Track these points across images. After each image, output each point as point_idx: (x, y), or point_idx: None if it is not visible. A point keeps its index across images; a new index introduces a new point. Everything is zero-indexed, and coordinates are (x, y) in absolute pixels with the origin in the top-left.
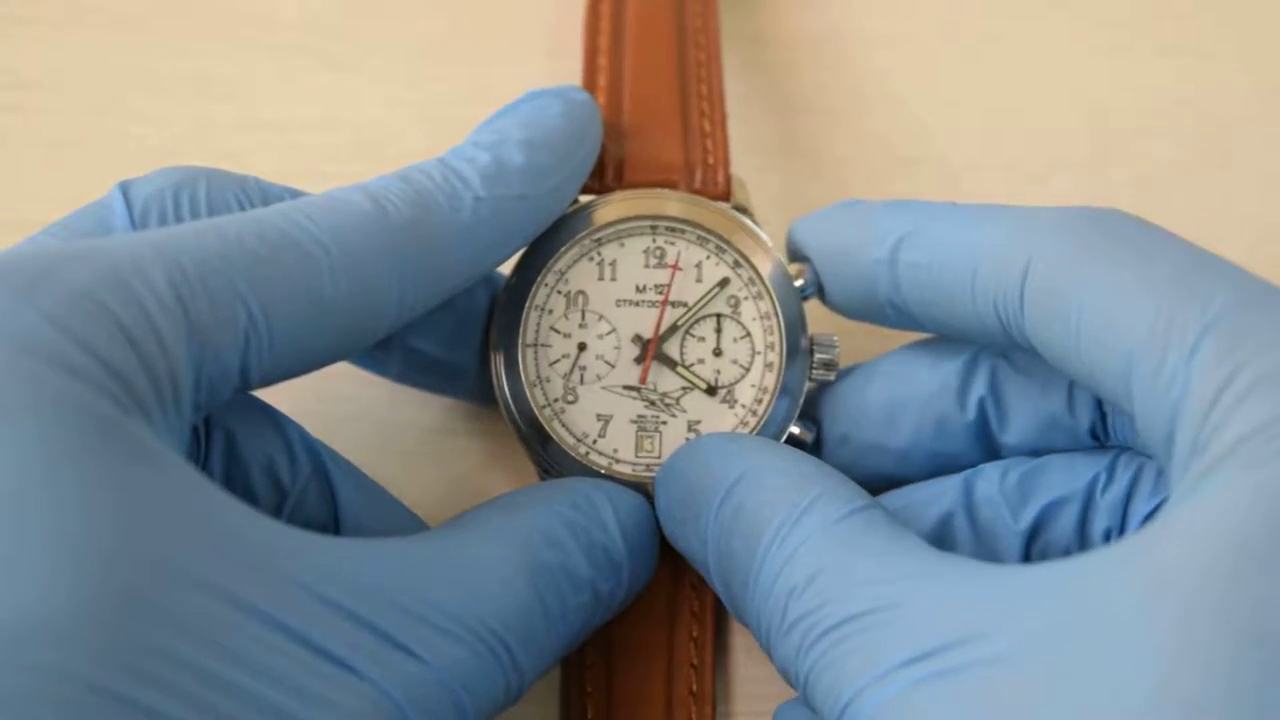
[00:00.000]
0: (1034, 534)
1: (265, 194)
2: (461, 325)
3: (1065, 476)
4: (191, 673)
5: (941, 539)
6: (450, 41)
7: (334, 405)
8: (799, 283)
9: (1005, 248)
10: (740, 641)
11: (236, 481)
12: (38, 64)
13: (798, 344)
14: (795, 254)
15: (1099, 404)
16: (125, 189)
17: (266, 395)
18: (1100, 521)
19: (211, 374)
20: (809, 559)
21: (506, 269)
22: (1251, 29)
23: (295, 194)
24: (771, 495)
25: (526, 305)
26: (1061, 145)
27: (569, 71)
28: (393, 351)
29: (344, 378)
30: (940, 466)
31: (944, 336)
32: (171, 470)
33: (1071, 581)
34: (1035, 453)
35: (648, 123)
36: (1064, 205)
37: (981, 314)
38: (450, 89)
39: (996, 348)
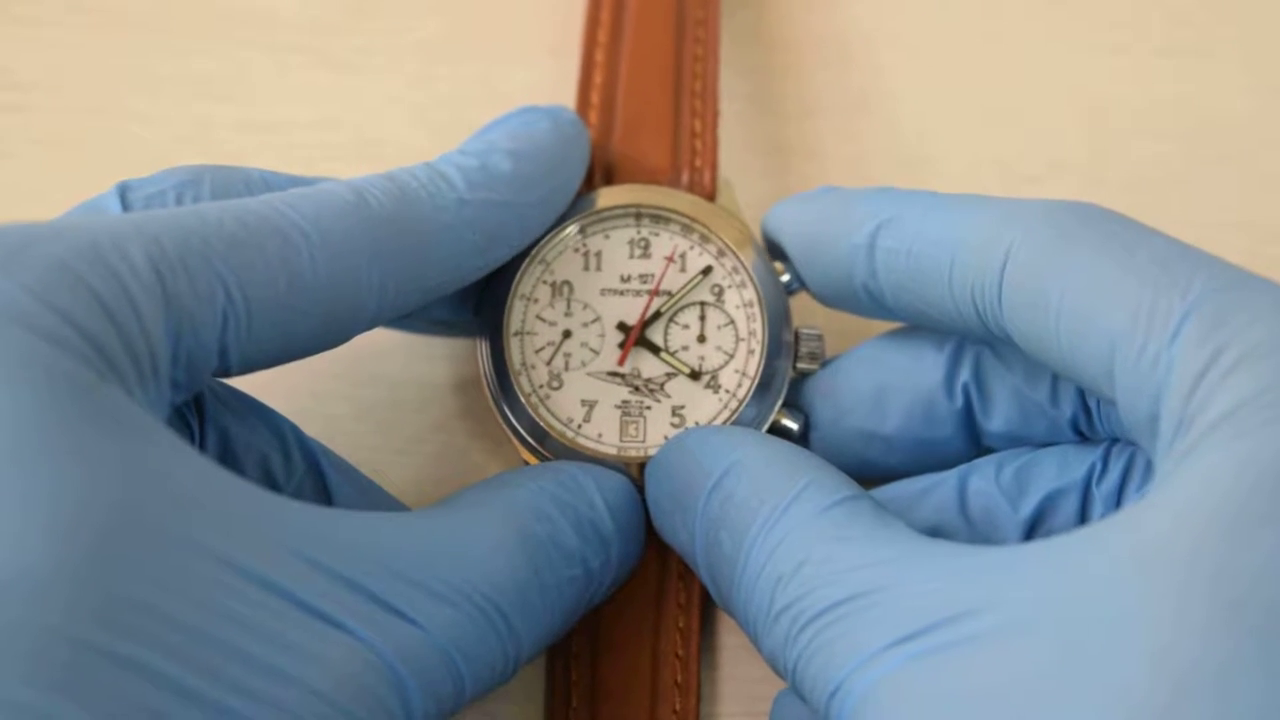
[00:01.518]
0: (1034, 525)
1: (269, 189)
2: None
3: (1060, 469)
4: (171, 625)
5: (937, 534)
6: (450, 41)
7: (332, 404)
8: (785, 278)
9: (985, 236)
10: (729, 640)
11: None
12: (38, 64)
13: (781, 331)
14: (771, 238)
15: (1082, 396)
16: (124, 189)
17: (263, 394)
18: (1098, 511)
19: (190, 350)
20: (795, 548)
21: None
22: (1251, 29)
23: (301, 184)
24: (759, 486)
25: (511, 294)
26: (1061, 145)
27: (569, 71)
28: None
29: (342, 377)
30: (925, 453)
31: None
32: (151, 432)
33: (1061, 557)
34: (1017, 440)
35: (639, 122)
36: (1044, 200)
37: (958, 302)
38: (450, 89)
39: (972, 338)
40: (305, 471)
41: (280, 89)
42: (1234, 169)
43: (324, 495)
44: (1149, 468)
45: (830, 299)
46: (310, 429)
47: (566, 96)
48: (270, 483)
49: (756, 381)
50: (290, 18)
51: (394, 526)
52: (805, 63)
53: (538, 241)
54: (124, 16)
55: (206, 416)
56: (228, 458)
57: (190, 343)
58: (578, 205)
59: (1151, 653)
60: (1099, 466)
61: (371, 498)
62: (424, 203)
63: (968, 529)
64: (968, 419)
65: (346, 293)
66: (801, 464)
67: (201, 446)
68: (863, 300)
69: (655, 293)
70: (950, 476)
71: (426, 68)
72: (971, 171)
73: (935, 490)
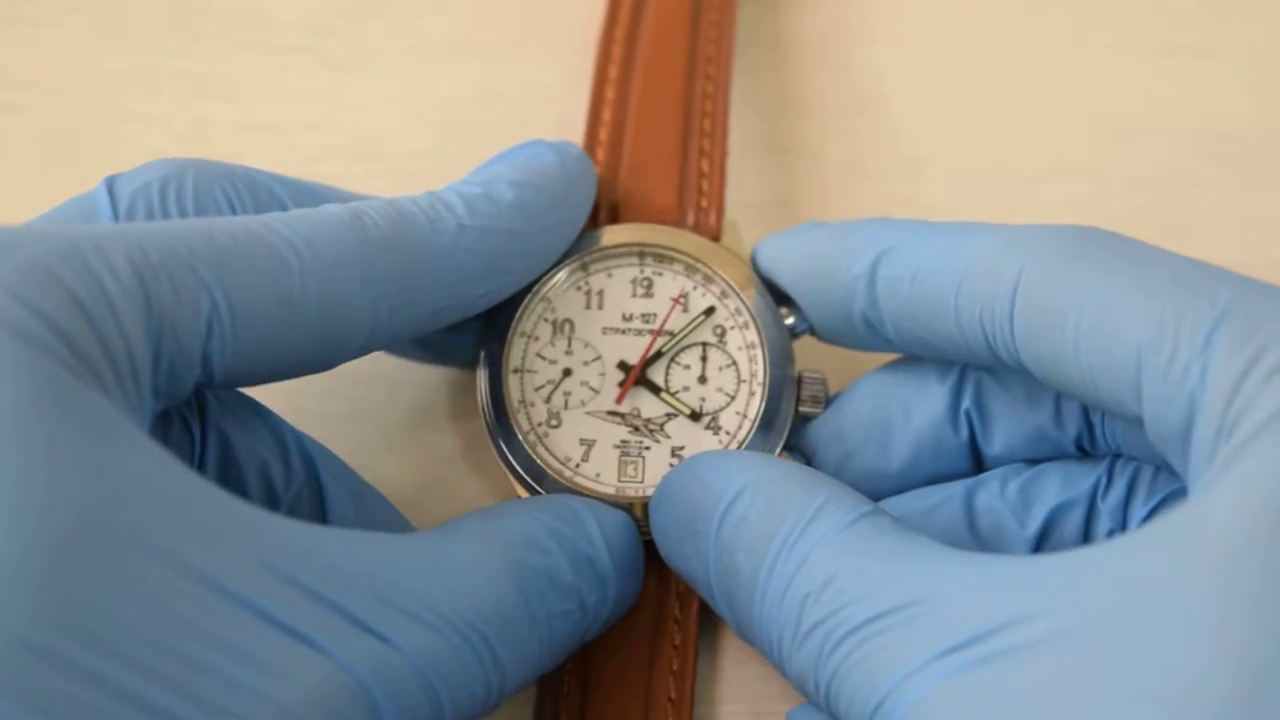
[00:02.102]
0: (1041, 540)
1: (254, 185)
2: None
3: (1065, 483)
4: (131, 634)
5: None
6: (450, 41)
7: (331, 404)
8: (789, 321)
9: (992, 261)
10: (726, 674)
11: (231, 485)
12: (37, 64)
13: (784, 373)
14: (764, 275)
15: (1086, 415)
16: (111, 183)
17: (263, 391)
18: (1103, 525)
19: (172, 357)
20: (822, 564)
21: None
22: (1251, 28)
23: (285, 182)
24: (775, 506)
25: (512, 330)
26: (1061, 145)
27: (570, 72)
28: None
29: (342, 377)
30: (931, 483)
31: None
32: (125, 437)
33: (1112, 560)
34: (1020, 460)
35: (647, 161)
36: (1050, 224)
37: (965, 329)
38: (451, 88)
39: (975, 364)
40: (304, 480)
41: (280, 89)
42: (1234, 168)
43: (320, 504)
44: (1154, 481)
45: (827, 332)
46: (309, 428)
47: (566, 97)
48: (269, 490)
49: (757, 424)
50: (290, 18)
51: (379, 547)
52: (804, 62)
53: (541, 278)
54: (124, 16)
55: (208, 422)
56: (228, 464)
57: (172, 349)
58: (581, 242)
59: (1208, 648)
60: (1104, 481)
61: (368, 507)
62: (422, 227)
63: (977, 545)
64: (972, 447)
65: (337, 313)
66: (815, 481)
67: (203, 452)
68: (861, 332)
69: (659, 332)
70: (956, 492)
71: (426, 68)
72: (971, 171)
73: (942, 507)
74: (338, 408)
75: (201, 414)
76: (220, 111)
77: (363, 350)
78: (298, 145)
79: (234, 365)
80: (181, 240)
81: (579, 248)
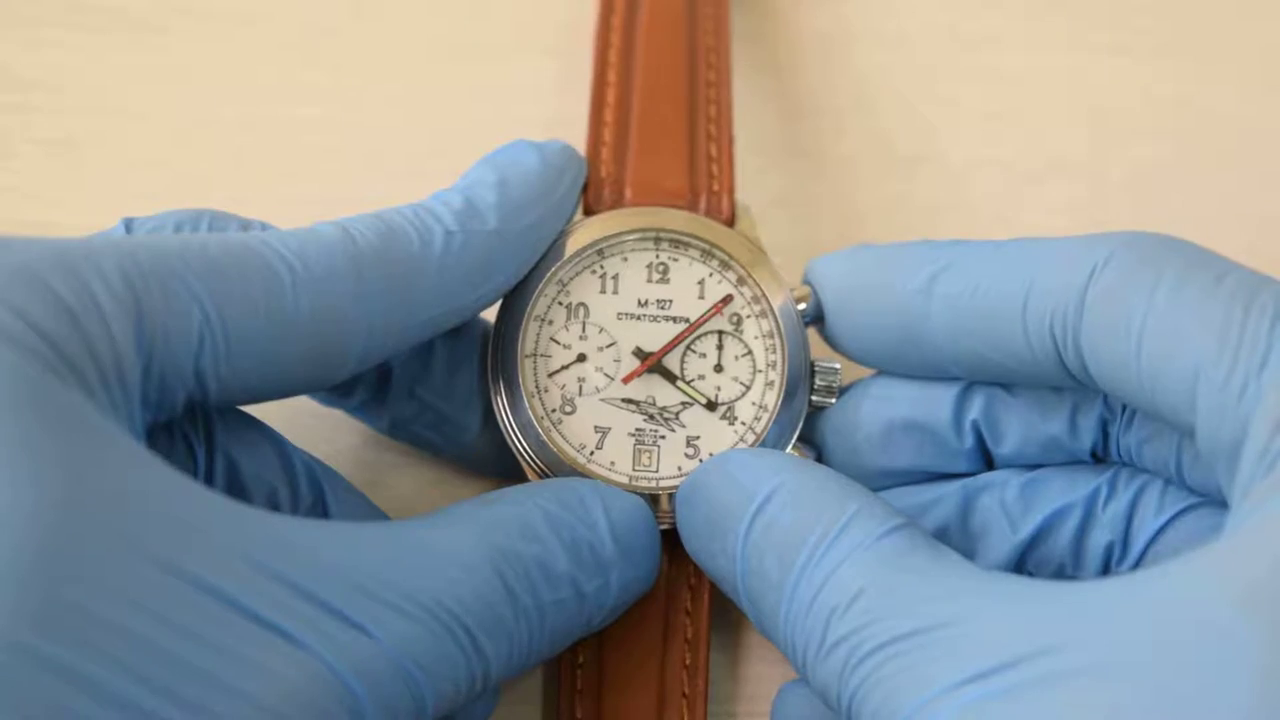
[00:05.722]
0: (1031, 545)
1: (267, 229)
2: (455, 374)
3: (1065, 488)
4: (114, 633)
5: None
6: (451, 41)
7: (337, 410)
8: (801, 306)
9: (1067, 259)
10: (743, 672)
11: None
12: (38, 64)
13: (800, 364)
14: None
15: (1103, 426)
16: (128, 224)
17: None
18: (1100, 535)
19: (164, 367)
20: (851, 577)
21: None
22: (1251, 29)
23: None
24: (806, 512)
25: (526, 315)
26: (1061, 145)
27: (570, 72)
28: (388, 399)
29: None
30: (939, 480)
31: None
32: (106, 438)
33: (1153, 594)
34: (1034, 467)
35: (654, 144)
36: (1123, 231)
37: (1032, 335)
38: (450, 89)
39: (1037, 381)
40: (311, 504)
41: (280, 89)
42: (1234, 168)
43: None
44: (1164, 495)
45: (862, 352)
46: (310, 426)
47: (567, 97)
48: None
49: (774, 415)
50: (290, 18)
51: (359, 537)
52: (803, 62)
53: (553, 263)
54: (124, 16)
55: (215, 446)
56: (235, 488)
57: (164, 359)
58: (594, 224)
59: (1255, 692)
60: (1105, 490)
61: None
62: (410, 238)
63: (966, 546)
64: (980, 452)
65: (330, 324)
66: (848, 491)
67: (209, 476)
68: (910, 354)
69: (695, 325)
70: (954, 490)
71: (425, 67)
72: (971, 170)
73: (939, 504)
74: (342, 412)
75: (208, 438)
76: (221, 112)
77: (360, 364)
78: (299, 145)
79: (230, 380)
80: (174, 252)
81: (592, 234)
